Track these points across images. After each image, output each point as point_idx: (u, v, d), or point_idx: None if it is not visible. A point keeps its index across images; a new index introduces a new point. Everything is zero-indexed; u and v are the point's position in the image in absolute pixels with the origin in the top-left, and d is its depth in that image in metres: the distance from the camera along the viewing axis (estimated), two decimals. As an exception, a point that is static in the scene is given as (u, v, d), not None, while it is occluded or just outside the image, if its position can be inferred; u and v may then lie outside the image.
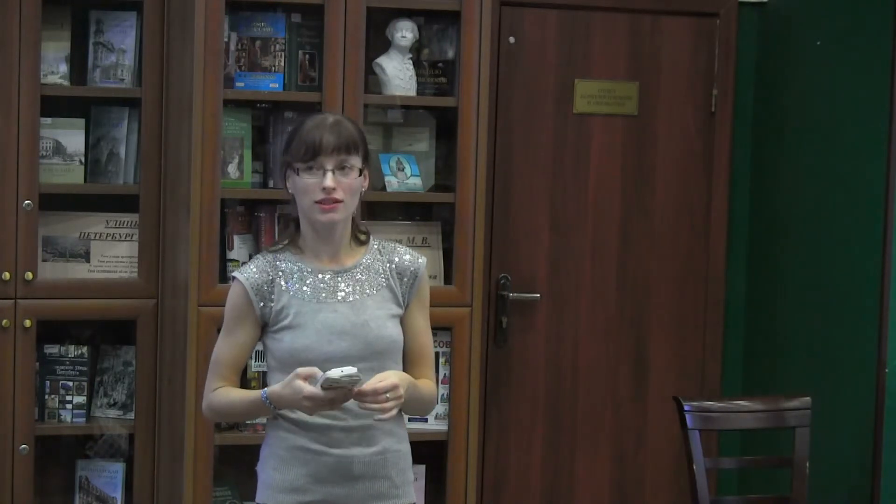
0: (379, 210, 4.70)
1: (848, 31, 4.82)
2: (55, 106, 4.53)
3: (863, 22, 4.73)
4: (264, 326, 3.30)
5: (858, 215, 4.72)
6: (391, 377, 3.15)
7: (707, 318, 5.32)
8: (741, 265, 5.35)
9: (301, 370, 3.13)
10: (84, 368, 4.60)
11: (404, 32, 4.57)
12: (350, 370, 3.09)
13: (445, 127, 4.69)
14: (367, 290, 3.30)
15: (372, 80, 4.58)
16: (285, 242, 3.34)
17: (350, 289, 3.29)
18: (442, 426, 4.60)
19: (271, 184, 4.58)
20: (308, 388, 3.10)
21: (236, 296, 3.29)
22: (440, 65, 4.66)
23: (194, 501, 4.38)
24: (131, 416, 4.62)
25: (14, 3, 4.38)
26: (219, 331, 4.33)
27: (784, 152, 5.17)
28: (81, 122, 4.59)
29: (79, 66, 4.60)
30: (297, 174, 3.22)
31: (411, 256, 3.37)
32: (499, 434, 5.18)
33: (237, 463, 4.66)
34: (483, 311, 4.71)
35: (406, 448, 3.37)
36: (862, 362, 4.64)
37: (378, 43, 4.60)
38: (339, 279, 3.29)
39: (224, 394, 3.32)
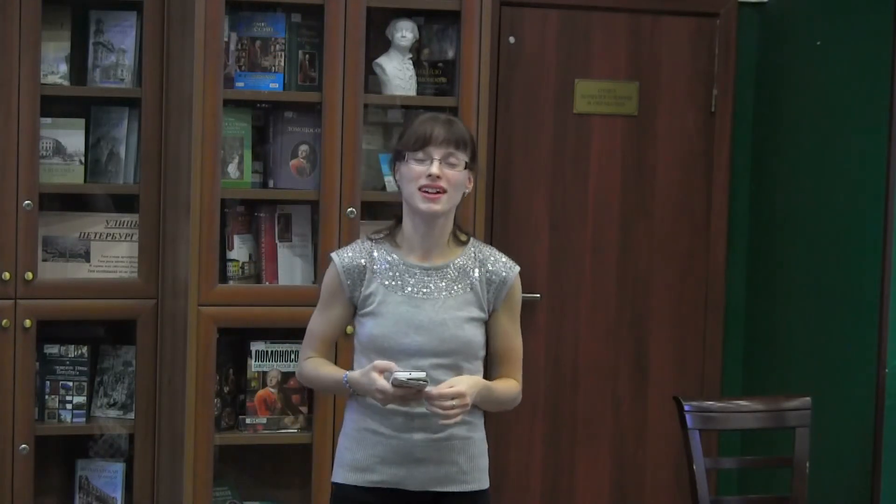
0: (379, 210, 4.70)
1: (848, 31, 4.82)
2: (55, 106, 4.53)
3: (863, 22, 4.73)
4: (354, 308, 3.40)
5: (858, 215, 4.72)
6: (460, 385, 3.25)
7: (707, 318, 5.32)
8: (741, 265, 5.35)
9: (379, 363, 3.25)
10: (84, 368, 4.60)
11: (404, 32, 4.57)
12: (418, 374, 3.21)
13: (445, 127, 4.68)
14: (452, 290, 3.38)
15: (372, 80, 4.58)
16: (385, 233, 3.43)
17: (436, 286, 3.37)
18: (442, 426, 4.60)
19: (271, 184, 4.58)
20: (380, 382, 3.22)
21: (330, 276, 3.42)
22: (440, 65, 4.66)
23: (194, 501, 4.38)
24: (131, 416, 4.61)
25: (14, 3, 4.38)
26: (219, 330, 4.38)
27: (784, 152, 5.17)
28: (81, 122, 4.59)
29: (79, 66, 4.60)
30: (406, 162, 3.32)
31: (505, 264, 3.45)
32: (499, 434, 5.17)
33: (237, 463, 4.66)
34: (483, 311, 4.70)
35: (479, 436, 3.43)
36: (862, 362, 4.64)
37: (378, 43, 4.60)
38: (428, 276, 3.37)
39: (314, 366, 3.44)
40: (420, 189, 3.30)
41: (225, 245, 4.51)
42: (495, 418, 5.14)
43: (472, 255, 3.42)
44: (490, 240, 5.04)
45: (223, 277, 4.46)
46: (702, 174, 5.28)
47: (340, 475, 3.41)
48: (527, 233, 5.16)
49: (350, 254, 3.40)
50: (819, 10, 5.00)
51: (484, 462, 3.45)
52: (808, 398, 4.26)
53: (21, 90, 4.41)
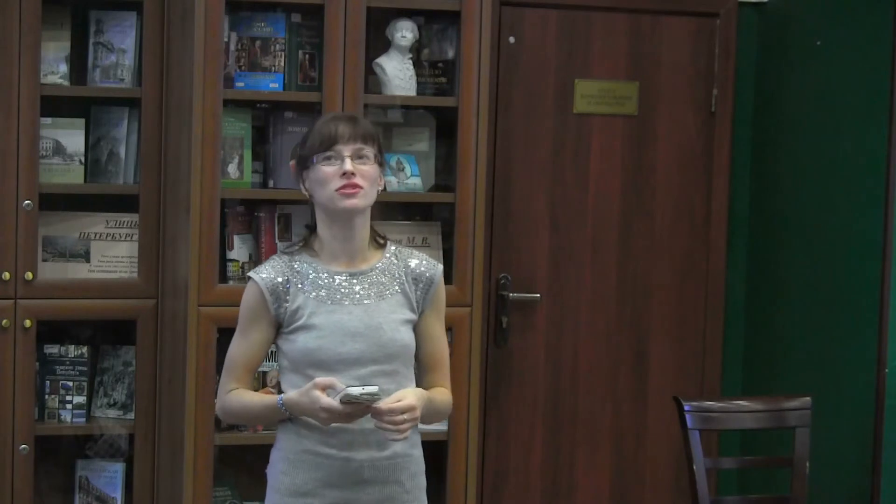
0: (379, 210, 4.69)
1: (848, 31, 4.82)
2: (55, 106, 4.53)
3: (863, 22, 4.73)
4: (278, 327, 3.27)
5: (858, 215, 4.72)
6: (409, 397, 3.14)
7: (707, 318, 5.32)
8: (741, 265, 5.35)
9: (319, 380, 3.11)
10: (84, 368, 4.60)
11: (404, 32, 4.57)
12: (371, 389, 3.09)
13: (445, 127, 4.69)
14: (382, 294, 3.28)
15: (372, 80, 4.58)
16: (300, 245, 3.32)
17: (365, 291, 3.27)
18: (442, 426, 4.59)
19: (271, 184, 4.58)
20: (325, 400, 3.08)
21: (251, 296, 3.27)
22: (440, 65, 4.66)
23: (194, 501, 4.38)
24: (131, 416, 4.62)
25: (14, 3, 4.38)
26: (219, 330, 4.37)
27: (784, 152, 5.17)
28: (81, 122, 4.59)
29: (79, 66, 4.60)
30: (315, 165, 3.22)
31: (427, 262, 3.36)
32: (499, 434, 5.17)
33: (237, 463, 4.66)
34: (483, 311, 4.71)
35: (418, 454, 3.35)
36: (862, 362, 4.64)
37: (378, 43, 4.60)
38: (355, 281, 3.27)
39: (239, 396, 3.28)
40: (336, 190, 3.20)
41: (225, 245, 4.51)
42: (496, 418, 5.15)
43: (394, 255, 3.34)
44: (490, 240, 5.05)
45: (223, 277, 4.46)
46: (702, 174, 5.28)
47: (277, 500, 3.26)
48: (527, 233, 5.16)
49: (271, 272, 3.26)
50: (819, 10, 5.00)
51: (423, 480, 3.36)
52: (808, 398, 4.27)
53: (21, 90, 4.41)
